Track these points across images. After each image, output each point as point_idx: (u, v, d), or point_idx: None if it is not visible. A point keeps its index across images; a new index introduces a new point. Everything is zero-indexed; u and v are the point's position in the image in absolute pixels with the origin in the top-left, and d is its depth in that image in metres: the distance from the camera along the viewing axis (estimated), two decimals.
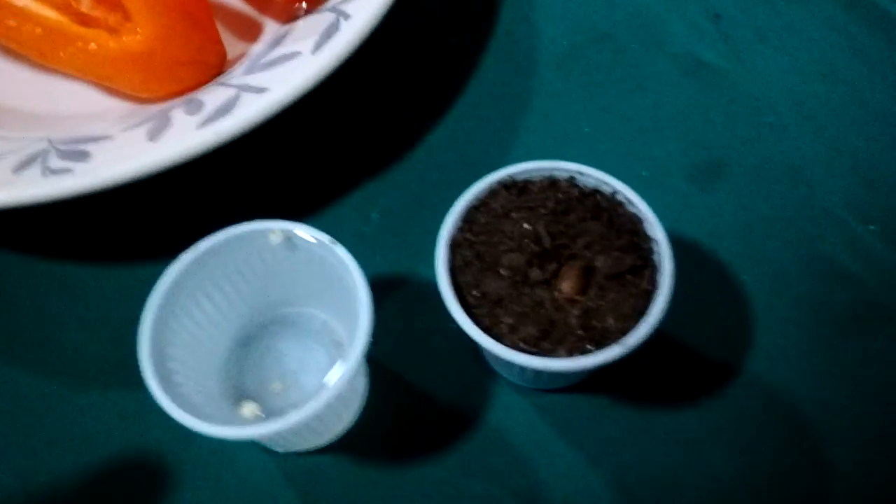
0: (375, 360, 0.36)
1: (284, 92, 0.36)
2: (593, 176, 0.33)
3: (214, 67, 0.42)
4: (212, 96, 0.38)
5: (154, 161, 0.34)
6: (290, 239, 0.32)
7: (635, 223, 0.32)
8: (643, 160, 0.42)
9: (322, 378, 0.34)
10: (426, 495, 0.33)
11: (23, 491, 0.34)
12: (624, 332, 0.29)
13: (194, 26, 0.40)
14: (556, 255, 0.31)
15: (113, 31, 0.39)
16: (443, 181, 0.41)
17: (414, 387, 0.36)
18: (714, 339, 0.36)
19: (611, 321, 0.30)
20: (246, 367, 0.35)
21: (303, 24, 0.41)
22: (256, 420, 0.29)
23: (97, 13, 0.40)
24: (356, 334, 0.29)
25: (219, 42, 0.42)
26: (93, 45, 0.39)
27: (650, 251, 0.31)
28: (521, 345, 0.30)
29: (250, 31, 0.45)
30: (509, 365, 0.30)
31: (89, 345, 0.38)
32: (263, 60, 0.40)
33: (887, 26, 0.46)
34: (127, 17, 0.39)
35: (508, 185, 0.33)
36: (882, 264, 0.38)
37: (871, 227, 0.39)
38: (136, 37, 0.39)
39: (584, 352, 0.29)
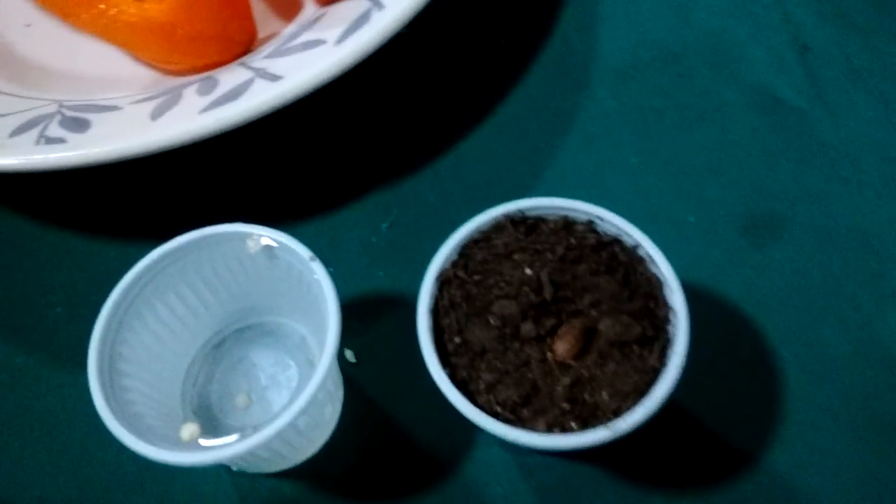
0: (356, 384, 0.33)
1: (296, 83, 0.33)
2: (615, 224, 0.29)
3: (241, 45, 0.39)
4: (228, 77, 0.36)
5: (147, 143, 0.32)
6: (268, 247, 0.29)
7: (654, 286, 0.28)
8: (692, 202, 0.37)
9: (289, 397, 0.31)
10: None
11: None
12: (617, 412, 0.26)
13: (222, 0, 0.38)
14: (557, 309, 0.27)
15: None
16: (465, 197, 0.38)
17: (391, 421, 0.33)
18: (735, 419, 0.32)
19: (604, 397, 0.26)
20: (214, 373, 0.32)
21: (338, 9, 0.38)
22: (195, 446, 0.27)
23: None
24: (320, 362, 0.26)
25: (248, 18, 0.39)
26: (114, 10, 0.37)
27: (665, 321, 0.27)
28: (497, 408, 0.26)
29: (288, 10, 0.42)
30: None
31: (70, 322, 0.36)
32: (290, 44, 0.37)
33: None
34: None
35: (517, 221, 0.29)
36: None
37: None
38: (160, 5, 0.37)
39: (564, 428, 0.25)
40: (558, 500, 0.30)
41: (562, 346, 0.27)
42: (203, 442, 0.28)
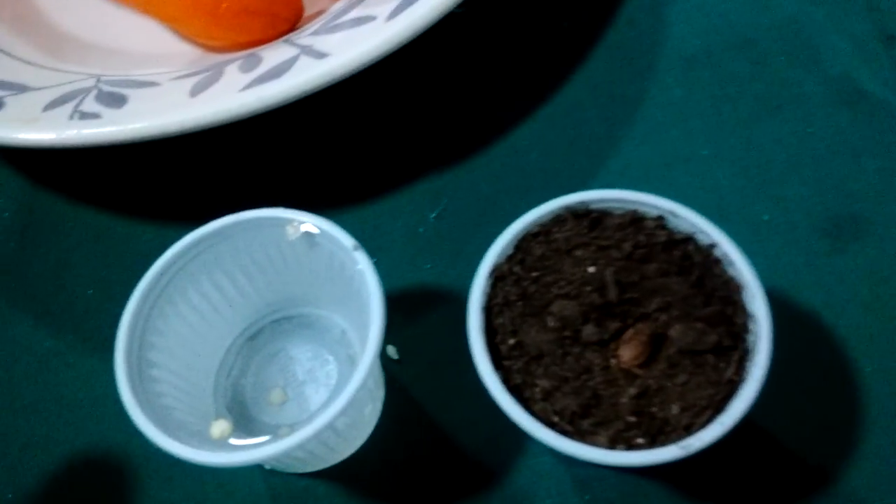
0: (398, 383, 0.31)
1: (343, 61, 0.31)
2: (689, 220, 0.26)
3: (287, 22, 0.37)
4: (272, 54, 0.34)
5: (184, 120, 0.31)
6: (309, 235, 0.27)
7: (732, 290, 0.25)
8: (767, 200, 0.34)
9: (328, 395, 0.30)
10: None
11: None
12: (689, 428, 0.23)
13: None
14: (622, 312, 0.25)
15: None
16: (520, 188, 0.36)
17: (434, 422, 0.31)
18: (810, 435, 0.29)
19: (675, 410, 0.23)
20: (249, 365, 0.31)
21: None
22: (226, 445, 0.25)
23: None
24: (362, 359, 0.24)
25: None
26: None
27: (744, 329, 0.25)
28: (554, 417, 0.24)
29: None
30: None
31: (102, 305, 0.35)
32: (338, 21, 0.35)
33: None
34: None
35: (580, 214, 0.27)
36: None
37: None
38: None
39: (630, 444, 0.23)
40: None
41: (627, 353, 0.24)
42: (235, 440, 0.26)
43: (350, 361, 0.30)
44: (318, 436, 0.24)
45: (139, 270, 0.35)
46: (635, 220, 0.26)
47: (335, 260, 0.27)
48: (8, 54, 0.38)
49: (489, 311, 0.26)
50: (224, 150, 0.38)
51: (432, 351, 0.32)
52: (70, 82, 0.35)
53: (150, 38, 0.40)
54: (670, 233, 0.26)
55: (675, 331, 0.24)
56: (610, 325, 0.25)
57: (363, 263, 0.26)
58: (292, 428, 0.24)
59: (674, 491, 0.28)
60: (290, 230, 0.27)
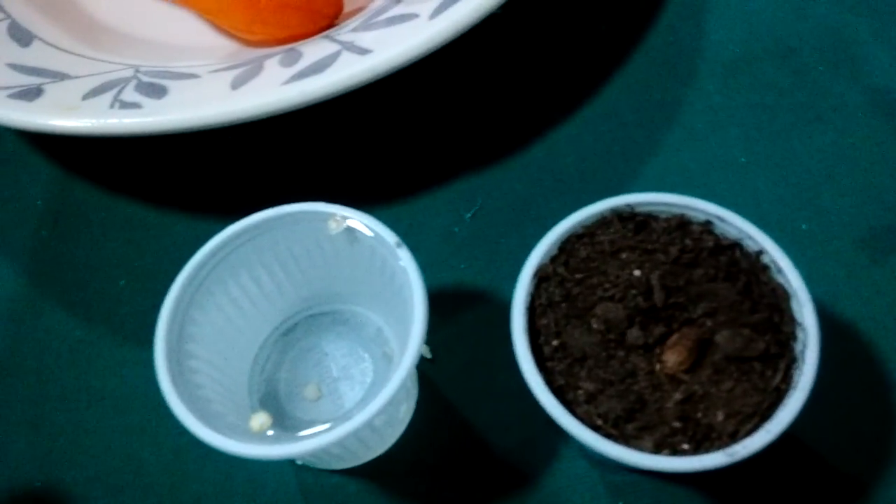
0: (430, 381, 0.31)
1: (386, 57, 0.31)
2: (737, 226, 0.26)
3: (327, 18, 0.37)
4: (313, 49, 0.34)
5: (227, 112, 0.31)
6: (350, 230, 0.27)
7: (780, 298, 0.25)
8: (806, 210, 0.34)
9: (362, 393, 0.29)
10: None
11: (25, 440, 0.31)
12: (734, 435, 0.23)
13: None
14: (668, 317, 0.25)
15: None
16: (556, 190, 0.35)
17: (467, 423, 0.30)
18: (848, 448, 0.29)
19: (720, 417, 0.23)
20: (283, 360, 0.30)
21: None
22: (265, 438, 0.25)
23: None
24: (404, 356, 0.24)
25: None
26: None
27: (792, 337, 0.24)
28: (598, 421, 0.23)
29: None
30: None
31: (134, 297, 0.35)
32: (379, 18, 0.35)
33: None
34: None
35: (625, 217, 0.27)
36: None
37: None
38: None
39: (676, 450, 0.23)
40: None
41: (672, 358, 0.24)
42: (271, 434, 0.26)
43: (386, 359, 0.30)
44: (357, 432, 0.23)
45: (171, 262, 0.35)
46: (682, 224, 0.26)
47: (376, 256, 0.27)
48: (45, 42, 0.37)
49: (532, 311, 0.25)
50: (256, 145, 0.38)
51: (465, 351, 0.32)
52: (108, 72, 0.35)
53: (186, 30, 0.40)
54: (717, 238, 0.26)
55: (721, 337, 0.24)
56: (655, 329, 0.25)
57: (406, 260, 0.26)
58: (333, 424, 0.24)
59: (708, 498, 0.28)
60: (332, 224, 0.27)
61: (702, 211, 0.26)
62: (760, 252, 0.26)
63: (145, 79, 0.34)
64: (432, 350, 0.32)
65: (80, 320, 0.34)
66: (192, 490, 0.30)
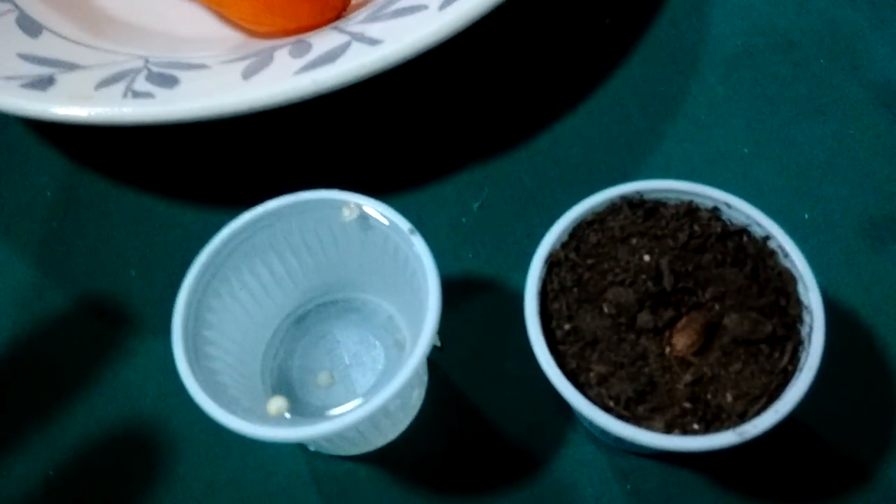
0: (440, 369, 0.31)
1: (397, 48, 0.31)
2: (744, 212, 0.26)
3: (335, 9, 0.37)
4: (322, 40, 0.34)
5: (241, 101, 0.31)
6: (364, 217, 0.27)
7: (786, 282, 0.25)
8: (808, 199, 0.34)
9: (374, 379, 0.30)
10: None
11: (36, 429, 0.31)
12: (743, 415, 0.23)
13: None
14: (677, 301, 0.25)
15: None
16: (562, 180, 0.36)
17: (476, 409, 0.31)
18: (849, 430, 0.29)
19: (728, 398, 0.24)
20: (295, 348, 0.31)
21: None
22: (283, 421, 0.25)
23: None
24: (417, 343, 0.25)
25: None
26: None
27: (798, 320, 0.25)
28: (610, 402, 0.24)
29: None
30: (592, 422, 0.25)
31: (144, 286, 0.35)
32: (388, 9, 0.35)
33: None
34: None
35: (634, 204, 0.27)
36: None
37: None
38: None
39: (686, 430, 0.23)
40: None
41: (681, 341, 0.25)
42: (288, 418, 0.26)
43: (397, 346, 0.30)
44: (372, 416, 0.24)
45: (181, 252, 0.35)
46: (690, 210, 0.27)
47: (389, 243, 0.28)
48: (54, 32, 0.38)
49: (545, 296, 0.26)
50: (263, 136, 0.38)
51: (474, 339, 0.32)
52: (118, 62, 0.35)
53: (193, 21, 0.40)
54: (725, 224, 0.26)
55: (729, 320, 0.25)
56: (665, 313, 0.25)
57: (420, 247, 0.26)
58: (352, 409, 0.24)
59: (714, 482, 0.28)
60: (346, 212, 0.27)
61: (709, 197, 0.27)
62: (767, 237, 0.26)
63: (155, 69, 0.34)
64: (441, 338, 0.32)
65: (90, 310, 0.34)
66: (204, 477, 0.30)
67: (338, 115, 0.39)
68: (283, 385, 0.30)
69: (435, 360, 0.32)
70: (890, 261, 0.33)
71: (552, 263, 0.26)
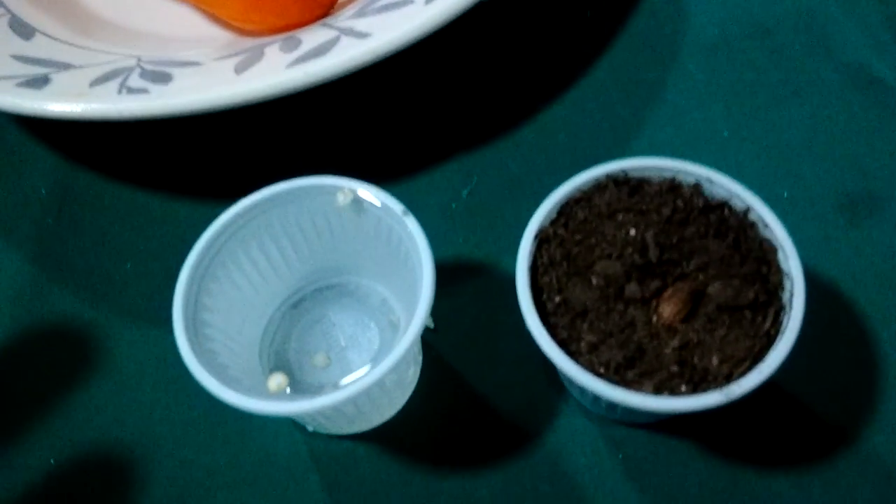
0: (434, 350, 0.32)
1: (385, 41, 0.32)
2: (725, 186, 0.27)
3: (323, 7, 0.38)
4: (311, 36, 0.35)
5: (235, 94, 0.32)
6: (358, 202, 0.28)
7: (766, 251, 0.26)
8: (786, 178, 0.35)
9: (370, 359, 0.31)
10: None
11: (37, 419, 0.32)
12: (729, 377, 0.24)
13: None
14: (662, 272, 0.26)
15: None
16: (548, 166, 0.37)
17: (470, 388, 0.31)
18: (831, 398, 0.30)
19: (714, 361, 0.25)
20: (292, 332, 0.31)
21: None
22: (284, 396, 0.26)
23: None
24: (412, 320, 0.25)
25: None
26: None
27: (779, 286, 0.26)
28: (601, 369, 0.25)
29: None
30: (583, 388, 0.26)
31: (140, 278, 0.35)
32: (375, 5, 0.36)
33: None
34: None
35: (620, 181, 0.28)
36: None
37: None
38: None
39: (675, 391, 0.24)
40: (644, 473, 0.29)
41: (668, 309, 0.26)
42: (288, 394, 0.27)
43: (392, 327, 0.31)
44: (369, 390, 0.24)
45: (176, 244, 0.36)
46: (673, 186, 0.28)
47: (383, 225, 0.28)
48: (46, 35, 0.38)
49: (535, 271, 0.27)
50: (255, 130, 0.39)
51: (466, 320, 0.33)
52: (110, 62, 0.36)
53: (182, 22, 0.41)
54: (707, 198, 0.27)
55: (713, 288, 0.26)
56: (651, 283, 0.26)
57: (413, 228, 0.27)
58: (347, 384, 0.24)
59: (701, 449, 0.29)
60: (340, 197, 0.28)
61: (691, 173, 0.28)
62: (747, 210, 0.27)
63: (148, 67, 0.35)
64: (435, 321, 0.33)
65: (88, 304, 0.35)
66: (204, 462, 0.31)
67: (328, 108, 0.40)
68: (282, 367, 0.31)
69: (429, 342, 0.32)
70: (867, 235, 0.34)
71: (542, 240, 0.27)
